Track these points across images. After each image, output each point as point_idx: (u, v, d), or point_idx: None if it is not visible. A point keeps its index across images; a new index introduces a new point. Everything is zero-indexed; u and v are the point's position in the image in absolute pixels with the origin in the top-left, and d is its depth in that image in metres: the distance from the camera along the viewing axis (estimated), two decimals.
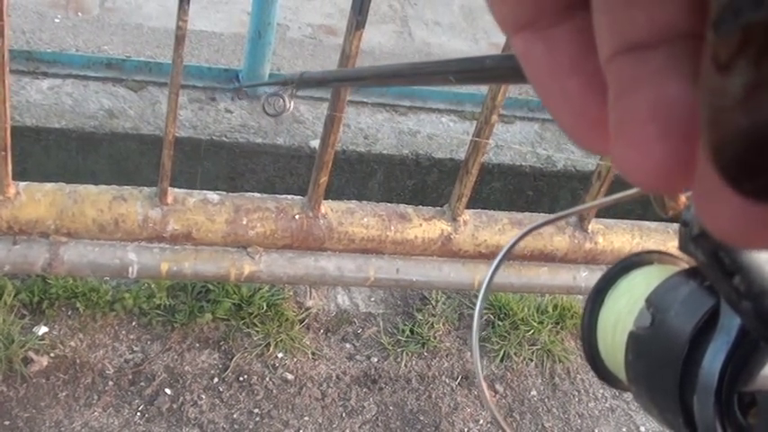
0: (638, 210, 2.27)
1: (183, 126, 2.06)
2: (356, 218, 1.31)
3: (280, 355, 1.92)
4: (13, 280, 1.85)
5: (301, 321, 2.00)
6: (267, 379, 1.87)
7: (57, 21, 2.44)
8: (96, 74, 2.16)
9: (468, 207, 1.37)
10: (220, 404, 1.80)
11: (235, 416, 1.79)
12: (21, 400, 1.69)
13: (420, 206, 1.39)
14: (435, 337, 2.07)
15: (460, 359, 2.05)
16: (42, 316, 1.84)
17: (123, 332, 1.87)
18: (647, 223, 1.49)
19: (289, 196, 1.32)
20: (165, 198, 1.21)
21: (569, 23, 0.19)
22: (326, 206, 1.30)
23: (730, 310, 0.33)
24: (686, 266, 0.39)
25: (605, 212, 1.47)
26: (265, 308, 1.96)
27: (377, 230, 1.32)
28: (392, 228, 1.32)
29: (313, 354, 1.95)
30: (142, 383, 1.79)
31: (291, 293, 2.04)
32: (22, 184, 1.18)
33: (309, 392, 1.88)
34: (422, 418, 1.90)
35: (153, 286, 1.93)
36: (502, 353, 2.08)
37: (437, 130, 2.32)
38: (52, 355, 1.78)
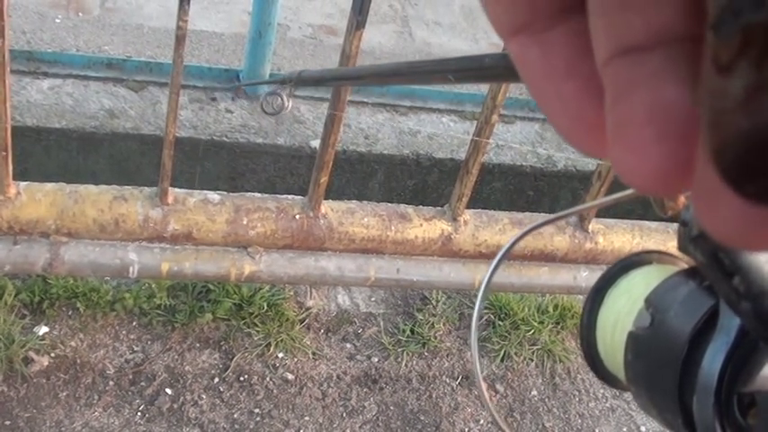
0: (639, 210, 2.27)
1: (183, 126, 2.06)
2: (356, 218, 1.31)
3: (280, 354, 1.92)
4: (14, 280, 1.86)
5: (302, 321, 2.00)
6: (268, 379, 1.87)
7: (57, 21, 2.44)
8: (97, 74, 2.16)
9: (468, 207, 1.37)
10: (221, 404, 1.80)
11: (235, 416, 1.79)
12: (21, 399, 1.69)
13: (420, 206, 1.39)
14: (436, 337, 2.07)
15: (461, 359, 2.05)
16: (43, 316, 1.84)
17: (124, 332, 1.87)
18: (647, 223, 1.48)
19: (289, 196, 1.32)
20: (165, 198, 1.21)
21: (565, 27, 0.19)
22: (327, 206, 1.30)
23: (730, 311, 0.33)
24: (685, 266, 0.39)
25: (606, 212, 1.47)
26: (266, 308, 1.97)
27: (377, 230, 1.32)
28: (392, 228, 1.32)
29: (313, 354, 1.95)
30: (143, 383, 1.79)
31: (292, 293, 2.04)
32: (23, 183, 1.18)
33: (310, 392, 1.88)
34: (422, 418, 1.90)
35: (153, 286, 1.93)
36: (502, 353, 2.08)
37: (438, 130, 2.32)
38: (53, 355, 1.78)
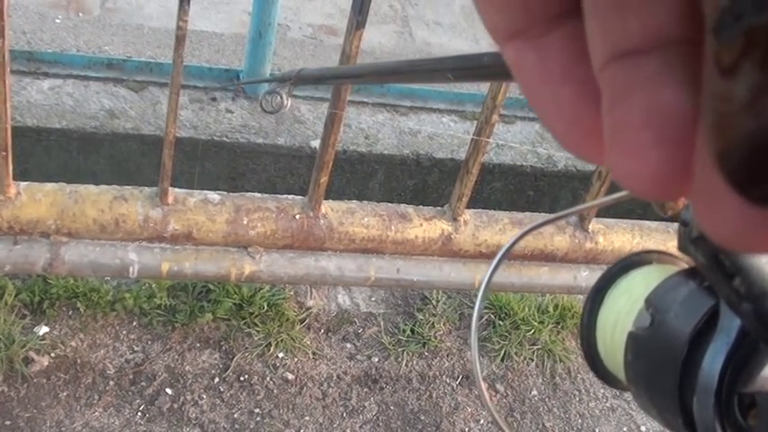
0: (639, 209, 2.27)
1: (183, 126, 2.06)
2: (357, 218, 1.31)
3: (280, 354, 1.92)
4: (14, 280, 1.86)
5: (302, 321, 2.00)
6: (268, 379, 1.87)
7: (57, 21, 2.44)
8: (97, 74, 2.16)
9: (468, 207, 1.37)
10: (221, 404, 1.80)
11: (235, 416, 1.79)
12: (21, 399, 1.69)
13: (420, 206, 1.39)
14: (436, 337, 2.07)
15: (461, 359, 2.05)
16: (43, 316, 1.84)
17: (124, 332, 1.87)
18: (647, 223, 1.48)
19: (289, 196, 1.32)
20: (165, 198, 1.21)
21: (560, 31, 0.19)
22: (327, 206, 1.30)
23: (730, 311, 0.33)
24: (686, 266, 0.39)
25: (606, 212, 1.47)
26: (266, 308, 1.97)
27: (377, 230, 1.32)
28: (393, 228, 1.32)
29: (314, 353, 1.95)
30: (143, 383, 1.79)
31: (292, 293, 2.04)
32: (23, 184, 1.18)
33: (310, 392, 1.88)
34: (422, 418, 1.90)
35: (154, 286, 1.93)
36: (502, 352, 2.08)
37: (438, 130, 2.32)
38: (53, 355, 1.78)
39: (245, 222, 1.25)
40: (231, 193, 1.28)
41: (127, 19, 2.57)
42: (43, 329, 1.82)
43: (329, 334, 2.01)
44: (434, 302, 2.15)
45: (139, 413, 1.74)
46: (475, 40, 3.00)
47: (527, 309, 2.16)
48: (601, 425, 2.02)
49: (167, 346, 1.87)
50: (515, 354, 2.09)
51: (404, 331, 2.06)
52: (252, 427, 1.78)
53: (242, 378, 1.86)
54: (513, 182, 2.36)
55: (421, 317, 2.10)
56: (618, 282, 0.40)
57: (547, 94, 0.19)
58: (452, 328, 2.12)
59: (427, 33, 2.99)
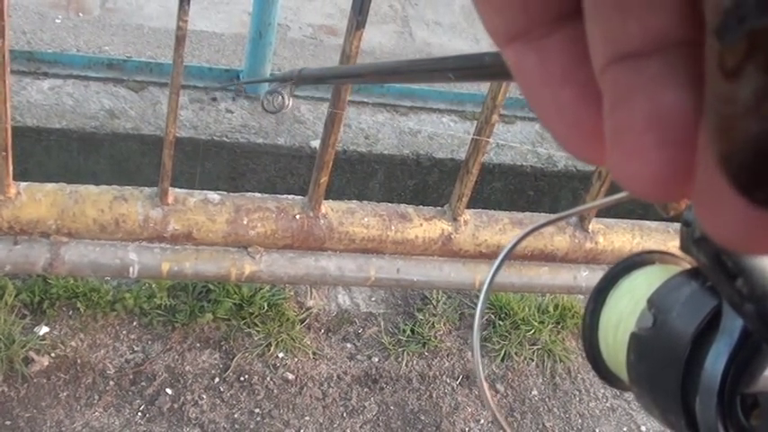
0: (639, 209, 2.27)
1: (183, 126, 2.06)
2: (357, 218, 1.31)
3: (281, 354, 1.92)
4: (14, 280, 1.86)
5: (302, 321, 2.00)
6: (268, 379, 1.87)
7: (57, 21, 2.44)
8: (97, 74, 2.16)
9: (468, 207, 1.37)
10: (221, 404, 1.80)
11: (236, 416, 1.79)
12: (22, 400, 1.69)
13: (420, 206, 1.39)
14: (436, 337, 2.07)
15: (461, 359, 2.05)
16: (43, 316, 1.84)
17: (124, 332, 1.87)
18: (647, 223, 1.48)
19: (289, 196, 1.32)
20: (165, 198, 1.21)
21: (561, 34, 0.19)
22: (327, 206, 1.30)
23: (732, 312, 0.33)
24: (688, 266, 0.39)
25: (606, 212, 1.47)
26: (266, 308, 1.96)
27: (377, 230, 1.32)
28: (393, 228, 1.32)
29: (314, 354, 1.95)
30: (143, 383, 1.79)
31: (292, 293, 2.04)
32: (23, 184, 1.18)
33: (310, 392, 1.88)
34: (423, 418, 1.90)
35: (154, 286, 1.93)
36: (503, 352, 2.08)
37: (438, 130, 2.32)
38: (53, 355, 1.78)
39: (245, 222, 1.25)
40: (231, 193, 1.28)
41: (127, 19, 2.57)
42: (43, 329, 1.81)
43: (329, 334, 2.01)
44: (434, 302, 2.15)
45: (139, 413, 1.74)
46: (475, 40, 3.00)
47: (527, 309, 2.16)
48: (601, 425, 2.02)
49: (167, 346, 1.87)
50: (515, 354, 2.09)
51: (404, 331, 2.06)
52: (252, 427, 1.78)
53: (242, 378, 1.86)
54: (513, 182, 2.36)
55: (421, 317, 2.10)
56: (620, 282, 0.40)
57: (547, 96, 0.19)
58: (452, 328, 2.12)
59: (427, 33, 2.99)
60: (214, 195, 1.26)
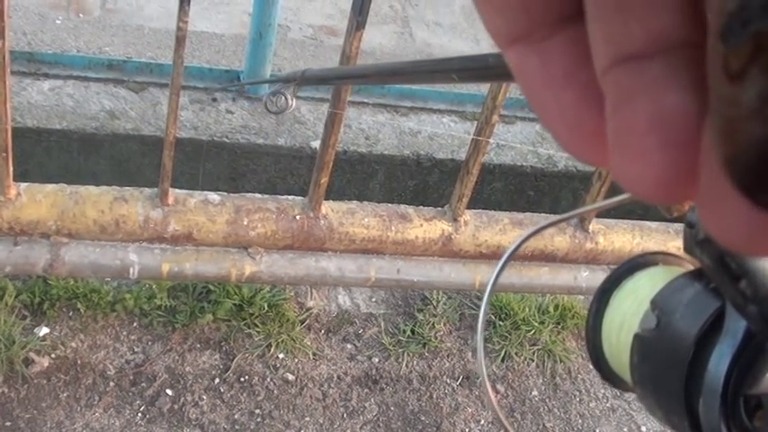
0: (639, 210, 2.27)
1: (183, 127, 2.06)
2: (357, 218, 1.31)
3: (281, 355, 1.92)
4: (14, 281, 1.85)
5: (302, 322, 2.00)
6: (268, 379, 1.87)
7: (58, 22, 2.44)
8: (97, 75, 2.16)
9: (469, 207, 1.37)
10: (221, 405, 1.80)
11: (236, 416, 1.79)
12: (22, 400, 1.69)
13: (421, 206, 1.39)
14: (436, 338, 2.07)
15: (462, 359, 2.05)
16: (43, 317, 1.84)
17: (124, 333, 1.87)
18: (647, 223, 1.48)
19: (289, 197, 1.32)
20: (165, 199, 1.21)
21: (563, 35, 0.19)
22: (327, 207, 1.30)
23: (736, 313, 0.33)
24: (691, 268, 0.38)
25: (606, 212, 1.47)
26: (266, 308, 1.96)
27: (377, 231, 1.32)
28: (393, 228, 1.32)
29: (314, 354, 1.95)
30: (143, 384, 1.79)
31: (292, 294, 2.04)
32: (24, 185, 1.18)
33: (310, 393, 1.88)
34: (423, 419, 1.90)
35: (154, 287, 1.93)
36: (503, 353, 2.08)
37: (438, 131, 2.32)
38: (53, 355, 1.78)
39: (245, 223, 1.25)
40: (231, 194, 1.28)
41: (127, 20, 2.57)
42: (43, 330, 1.81)
43: (329, 334, 2.01)
44: (435, 303, 2.15)
45: (140, 414, 1.73)
46: (475, 40, 3.00)
47: (527, 309, 2.16)
48: (601, 425, 2.02)
49: (168, 347, 1.87)
50: (516, 354, 2.09)
51: (404, 332, 2.06)
52: (252, 427, 1.78)
53: (242, 379, 1.86)
54: (513, 182, 2.36)
55: (421, 317, 2.10)
56: (623, 283, 0.40)
57: (549, 98, 0.19)
58: (453, 328, 2.12)
59: (427, 34, 2.99)
60: (214, 196, 1.26)
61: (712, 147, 0.16)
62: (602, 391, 2.10)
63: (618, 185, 0.18)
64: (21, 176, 1.19)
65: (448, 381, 2.00)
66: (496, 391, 2.01)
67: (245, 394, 1.83)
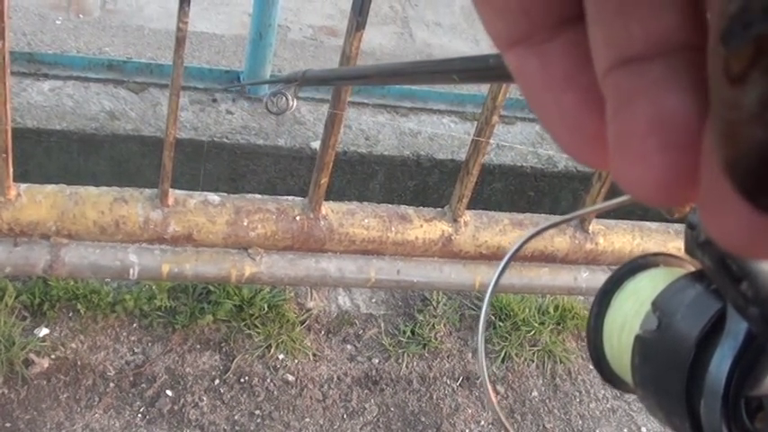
0: (639, 211, 2.27)
1: (183, 127, 2.06)
2: (357, 219, 1.31)
3: (281, 356, 1.92)
4: (14, 282, 1.85)
5: (302, 323, 2.00)
6: (268, 380, 1.87)
7: (58, 22, 2.44)
8: (97, 75, 2.16)
9: (469, 208, 1.36)
10: (221, 406, 1.80)
11: (236, 417, 1.78)
12: (22, 401, 1.69)
13: (421, 207, 1.39)
14: (436, 338, 2.07)
15: (462, 360, 2.05)
16: (43, 318, 1.84)
17: (124, 334, 1.87)
18: (647, 224, 1.48)
19: (289, 197, 1.32)
20: (165, 199, 1.21)
21: (563, 38, 0.19)
22: (327, 207, 1.30)
23: (737, 315, 0.33)
24: (692, 269, 0.38)
25: (606, 213, 1.47)
26: (266, 309, 1.96)
27: (377, 232, 1.32)
28: (393, 229, 1.32)
29: (314, 355, 1.95)
30: (143, 385, 1.79)
31: (292, 295, 2.04)
32: (23, 185, 1.18)
33: (310, 394, 1.87)
34: (423, 420, 1.90)
35: (154, 288, 1.93)
36: (503, 354, 2.08)
37: (438, 131, 2.32)
38: (53, 356, 1.78)
39: (245, 224, 1.25)
40: (231, 195, 1.28)
41: (127, 20, 2.57)
42: (43, 331, 1.81)
43: (329, 335, 2.01)
44: (435, 304, 2.15)
45: (140, 415, 1.73)
46: (475, 41, 3.00)
47: (527, 310, 2.16)
48: (601, 426, 2.02)
49: (168, 348, 1.87)
50: (516, 355, 2.09)
51: (404, 332, 2.06)
52: (252, 428, 1.78)
53: (242, 380, 1.86)
54: (513, 183, 2.36)
55: (421, 318, 2.10)
56: (625, 284, 0.40)
57: (550, 100, 0.19)
58: (453, 329, 2.12)
59: (427, 34, 2.99)
60: (214, 197, 1.26)
61: (713, 149, 0.16)
62: (603, 391, 2.10)
63: (618, 186, 0.18)
64: (21, 177, 1.19)
65: (448, 381, 2.00)
66: (496, 392, 2.01)
67: (245, 395, 1.83)
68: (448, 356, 2.05)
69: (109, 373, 1.79)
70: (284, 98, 0.96)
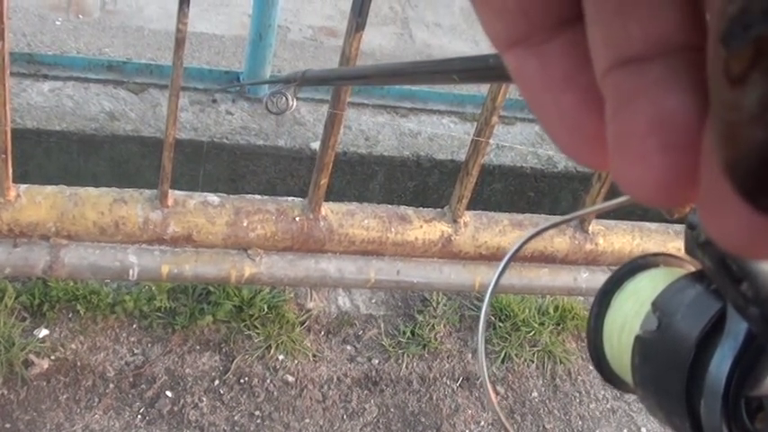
0: (639, 211, 2.27)
1: (183, 128, 2.06)
2: (356, 220, 1.31)
3: (281, 357, 1.92)
4: (14, 283, 1.85)
5: (302, 323, 2.00)
6: (268, 381, 1.87)
7: (58, 23, 2.44)
8: (97, 76, 2.16)
9: (468, 208, 1.36)
10: (221, 406, 1.80)
11: (236, 418, 1.78)
12: (21, 402, 1.69)
13: (421, 208, 1.39)
14: (436, 339, 2.07)
15: (461, 361, 2.05)
16: (43, 319, 1.84)
17: (124, 335, 1.87)
18: (647, 224, 1.48)
19: (289, 198, 1.32)
20: (165, 200, 1.21)
21: (562, 38, 0.19)
22: (327, 208, 1.30)
23: (737, 315, 0.33)
24: (692, 269, 0.38)
25: (605, 213, 1.47)
26: (266, 310, 1.96)
27: (377, 232, 1.31)
28: (392, 229, 1.32)
29: (314, 356, 1.95)
30: (143, 386, 1.79)
31: (292, 295, 2.04)
32: (23, 186, 1.18)
33: (310, 394, 1.87)
34: (423, 420, 1.90)
35: (153, 289, 1.93)
36: (503, 354, 2.07)
37: (438, 132, 2.32)
38: (53, 357, 1.78)
39: (244, 224, 1.25)
40: (231, 196, 1.28)
41: (127, 21, 2.57)
42: (43, 332, 1.81)
43: (329, 336, 2.01)
44: (434, 304, 2.15)
45: (139, 416, 1.73)
46: (475, 41, 3.00)
47: (527, 310, 2.16)
48: (601, 426, 2.02)
49: (167, 349, 1.87)
50: (516, 355, 2.08)
51: (404, 333, 2.06)
52: (252, 429, 1.78)
53: (242, 380, 1.86)
54: (513, 183, 2.36)
55: (421, 319, 2.10)
56: (625, 285, 0.40)
57: (549, 101, 0.19)
58: (453, 329, 2.12)
59: (427, 35, 2.99)
60: (214, 197, 1.26)
61: (713, 150, 0.16)
62: (603, 392, 2.10)
63: (618, 186, 0.18)
64: (20, 178, 1.19)
65: (448, 382, 2.00)
66: (496, 393, 2.01)
67: (244, 396, 1.83)
68: (448, 357, 2.05)
69: (108, 374, 1.78)
70: (284, 98, 0.96)
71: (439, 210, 1.38)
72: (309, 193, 1.29)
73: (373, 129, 2.27)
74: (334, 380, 1.92)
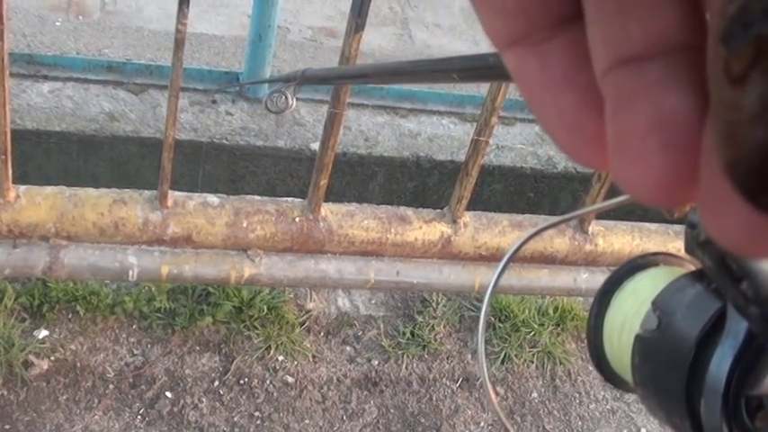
0: (639, 211, 2.27)
1: (183, 129, 2.06)
2: (356, 220, 1.31)
3: (280, 357, 1.92)
4: (14, 283, 1.85)
5: (302, 324, 2.00)
6: (268, 382, 1.87)
7: (57, 24, 2.44)
8: (97, 77, 2.16)
9: (468, 209, 1.36)
10: (221, 407, 1.79)
11: (235, 419, 1.78)
12: (21, 403, 1.69)
13: (420, 208, 1.39)
14: (436, 340, 2.07)
15: (461, 361, 2.05)
16: (43, 319, 1.84)
17: (124, 335, 1.87)
18: (647, 224, 1.48)
19: (289, 199, 1.32)
20: (165, 201, 1.21)
21: (562, 38, 0.19)
22: (326, 209, 1.30)
23: (737, 314, 0.33)
24: (692, 269, 0.38)
25: (605, 214, 1.47)
26: (266, 311, 1.96)
27: (377, 233, 1.31)
28: (392, 230, 1.32)
29: (314, 356, 1.94)
30: (143, 387, 1.79)
31: (292, 296, 2.04)
32: (23, 187, 1.18)
33: (310, 395, 1.87)
34: (423, 421, 1.90)
35: (153, 289, 1.93)
36: (503, 355, 2.07)
37: (438, 132, 2.32)
38: (53, 358, 1.78)
39: (244, 225, 1.25)
40: (231, 196, 1.28)
41: (127, 22, 2.57)
42: (43, 333, 1.81)
43: (329, 337, 2.01)
44: (434, 305, 2.15)
45: (139, 416, 1.73)
46: (475, 42, 3.00)
47: (527, 311, 2.16)
48: (601, 427, 2.02)
49: (167, 350, 1.87)
50: (515, 356, 2.08)
51: (404, 334, 2.06)
52: (252, 430, 1.77)
53: (242, 381, 1.86)
54: (512, 184, 2.36)
55: (421, 319, 2.10)
56: (625, 284, 0.40)
57: (548, 100, 0.19)
58: (452, 330, 2.12)
59: (427, 35, 2.99)
60: (213, 198, 1.26)
61: (713, 150, 0.16)
62: (602, 392, 2.10)
63: (617, 186, 0.18)
64: (20, 178, 1.19)
65: (448, 383, 1.99)
66: (496, 393, 2.01)
67: (244, 397, 1.83)
68: (447, 358, 2.05)
69: (108, 375, 1.78)
70: (284, 97, 0.96)
71: (439, 210, 1.38)
72: (309, 193, 1.29)
73: (373, 129, 2.27)
74: (334, 381, 1.92)
